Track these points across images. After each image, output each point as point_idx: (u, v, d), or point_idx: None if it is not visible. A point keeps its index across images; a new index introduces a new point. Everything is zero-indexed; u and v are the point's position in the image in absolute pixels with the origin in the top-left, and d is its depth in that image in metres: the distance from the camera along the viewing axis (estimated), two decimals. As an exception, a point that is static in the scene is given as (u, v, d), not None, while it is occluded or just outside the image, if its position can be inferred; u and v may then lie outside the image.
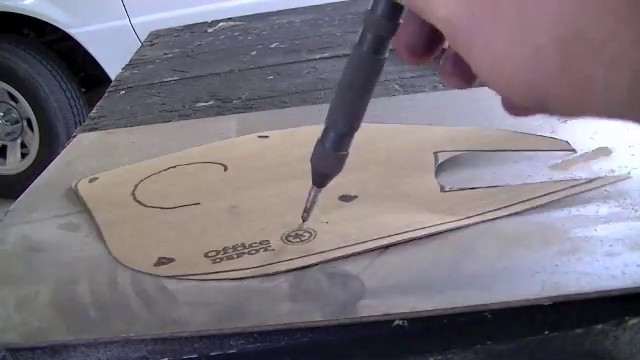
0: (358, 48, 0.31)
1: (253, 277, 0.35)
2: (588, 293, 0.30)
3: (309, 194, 0.37)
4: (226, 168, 0.48)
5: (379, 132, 0.50)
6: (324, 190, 0.39)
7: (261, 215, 0.41)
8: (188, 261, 0.37)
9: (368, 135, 0.50)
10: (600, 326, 0.30)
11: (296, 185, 0.43)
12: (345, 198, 0.41)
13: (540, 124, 0.48)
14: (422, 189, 0.41)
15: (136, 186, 0.47)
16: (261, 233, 0.39)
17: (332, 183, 0.42)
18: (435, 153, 0.45)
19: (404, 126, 0.51)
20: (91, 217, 0.43)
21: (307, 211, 0.38)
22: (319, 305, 0.32)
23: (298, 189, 0.42)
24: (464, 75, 0.27)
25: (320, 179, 0.36)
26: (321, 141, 0.34)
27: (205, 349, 0.31)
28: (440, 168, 0.44)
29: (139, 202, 0.44)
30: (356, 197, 0.41)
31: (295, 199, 0.39)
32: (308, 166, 0.47)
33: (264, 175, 0.46)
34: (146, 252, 0.38)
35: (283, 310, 0.32)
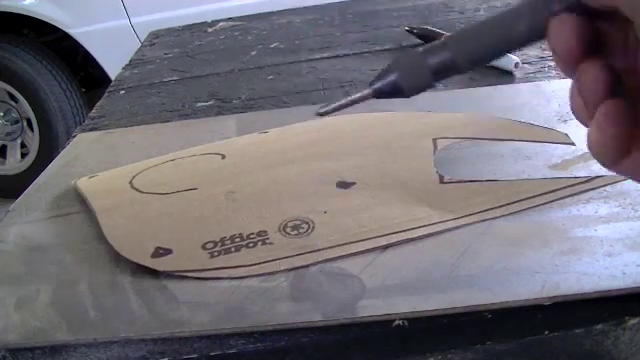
0: None
1: (252, 276, 0.35)
2: (588, 293, 0.30)
3: (359, 93, 0.28)
4: (224, 157, 0.48)
5: (377, 119, 0.50)
6: (321, 177, 0.38)
7: (258, 201, 0.41)
8: (185, 254, 0.37)
9: (366, 121, 0.50)
10: (600, 326, 0.30)
11: (292, 169, 0.43)
12: (343, 185, 0.41)
13: (540, 124, 0.48)
14: (421, 178, 0.41)
15: (134, 176, 0.47)
16: (258, 222, 0.39)
17: (330, 168, 0.42)
18: (434, 140, 0.45)
19: (402, 113, 0.51)
20: (87, 204, 0.43)
21: (346, 103, 0.29)
22: (319, 305, 0.32)
23: (294, 173, 0.42)
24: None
25: (385, 86, 0.27)
26: (423, 51, 0.26)
27: (205, 349, 0.31)
28: (439, 158, 0.43)
29: (136, 189, 0.44)
30: (354, 184, 0.41)
31: (292, 183, 0.39)
32: (304, 152, 0.47)
33: (261, 161, 0.46)
34: (143, 240, 0.38)
35: (283, 310, 0.32)
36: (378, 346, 0.31)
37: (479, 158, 0.44)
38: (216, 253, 0.36)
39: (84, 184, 0.47)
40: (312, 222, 0.38)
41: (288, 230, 0.38)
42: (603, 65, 0.23)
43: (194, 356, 0.31)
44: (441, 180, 0.41)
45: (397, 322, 0.31)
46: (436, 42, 0.25)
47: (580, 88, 0.23)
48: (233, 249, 0.37)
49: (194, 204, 0.42)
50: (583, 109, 0.23)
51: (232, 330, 0.31)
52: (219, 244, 0.37)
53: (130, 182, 0.46)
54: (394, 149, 0.45)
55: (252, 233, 0.38)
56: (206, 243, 0.37)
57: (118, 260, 0.38)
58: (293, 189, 0.39)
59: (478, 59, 0.25)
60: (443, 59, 0.25)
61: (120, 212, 0.42)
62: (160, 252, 0.37)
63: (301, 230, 0.37)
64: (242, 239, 0.37)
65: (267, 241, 0.37)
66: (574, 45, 0.22)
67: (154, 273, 0.36)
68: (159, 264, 0.36)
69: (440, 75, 0.26)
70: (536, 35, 0.24)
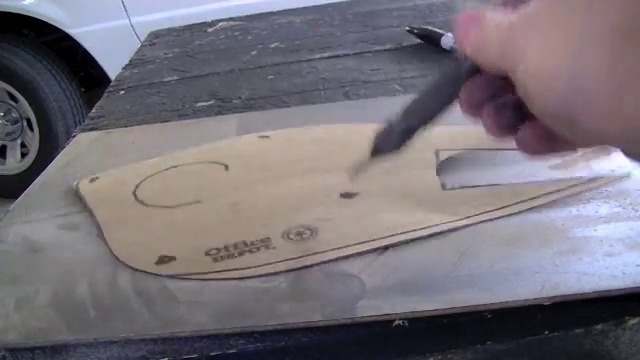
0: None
1: (253, 277, 0.35)
2: (588, 293, 0.30)
3: (364, 160, 0.35)
4: (227, 167, 0.48)
5: None
6: (325, 188, 0.39)
7: (262, 213, 0.41)
8: (189, 260, 0.37)
9: (370, 132, 0.50)
10: (600, 326, 0.30)
11: (296, 182, 0.43)
12: (346, 195, 0.41)
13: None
14: (423, 187, 0.41)
15: (137, 186, 0.47)
16: (262, 230, 0.39)
17: (333, 180, 0.42)
18: (436, 151, 0.45)
19: None
20: (92, 216, 0.43)
21: (356, 170, 0.36)
22: (319, 305, 0.32)
23: (299, 187, 0.42)
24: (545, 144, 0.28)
25: (376, 151, 0.35)
26: (389, 124, 0.33)
27: (205, 349, 0.31)
28: (442, 167, 0.44)
29: (140, 201, 0.44)
30: (357, 194, 0.41)
31: (296, 196, 0.39)
32: (308, 165, 0.47)
33: (265, 174, 0.46)
34: (147, 251, 0.38)
35: (283, 310, 0.32)
36: (378, 346, 0.31)
37: (480, 159, 0.44)
38: (220, 258, 0.36)
39: (86, 190, 0.47)
40: (315, 228, 0.38)
41: (291, 236, 0.38)
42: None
43: (194, 356, 0.31)
44: (444, 188, 0.41)
45: (397, 322, 0.31)
46: (396, 116, 0.33)
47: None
48: (236, 254, 0.37)
49: (198, 217, 0.42)
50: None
51: (232, 330, 0.31)
52: (222, 250, 0.37)
53: (134, 193, 0.46)
54: (397, 161, 0.45)
55: (255, 240, 0.38)
56: (209, 250, 0.37)
57: (118, 260, 0.38)
58: (297, 202, 0.39)
59: (425, 122, 0.32)
60: (402, 127, 0.32)
61: (125, 226, 0.42)
62: (164, 259, 0.37)
63: (304, 235, 0.38)
64: (245, 245, 0.37)
65: (270, 246, 0.37)
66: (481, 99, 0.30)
67: (154, 273, 0.36)
68: (163, 270, 0.36)
69: (404, 137, 0.33)
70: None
